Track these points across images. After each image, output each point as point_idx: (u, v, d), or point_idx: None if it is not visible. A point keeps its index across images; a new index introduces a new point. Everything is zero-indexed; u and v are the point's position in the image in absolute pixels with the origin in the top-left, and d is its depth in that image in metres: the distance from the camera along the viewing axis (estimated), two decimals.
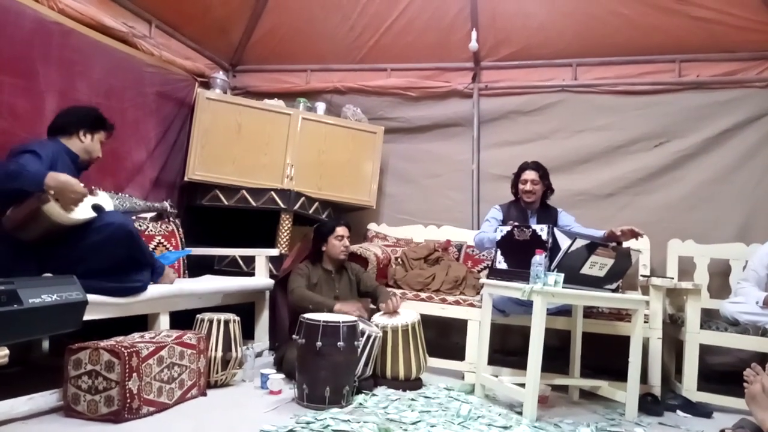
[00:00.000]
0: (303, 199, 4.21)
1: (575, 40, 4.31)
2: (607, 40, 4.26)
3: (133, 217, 3.32)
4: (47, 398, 2.34)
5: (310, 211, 4.27)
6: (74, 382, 2.33)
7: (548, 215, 3.66)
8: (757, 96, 4.03)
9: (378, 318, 3.26)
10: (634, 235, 3.23)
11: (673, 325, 3.46)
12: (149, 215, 3.38)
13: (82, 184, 2.50)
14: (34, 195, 2.37)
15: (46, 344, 3.09)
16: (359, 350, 2.91)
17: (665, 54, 4.23)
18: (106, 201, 2.77)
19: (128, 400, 2.29)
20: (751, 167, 4.01)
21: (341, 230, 3.52)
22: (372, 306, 3.56)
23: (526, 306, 2.91)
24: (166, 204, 3.25)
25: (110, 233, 2.57)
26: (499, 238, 3.19)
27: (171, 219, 3.40)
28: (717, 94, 4.12)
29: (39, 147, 2.59)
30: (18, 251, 2.48)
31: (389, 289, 3.66)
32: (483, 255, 4.09)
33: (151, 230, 3.62)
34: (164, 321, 2.95)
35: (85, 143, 2.81)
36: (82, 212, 2.54)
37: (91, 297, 2.33)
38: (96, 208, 2.64)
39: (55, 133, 2.78)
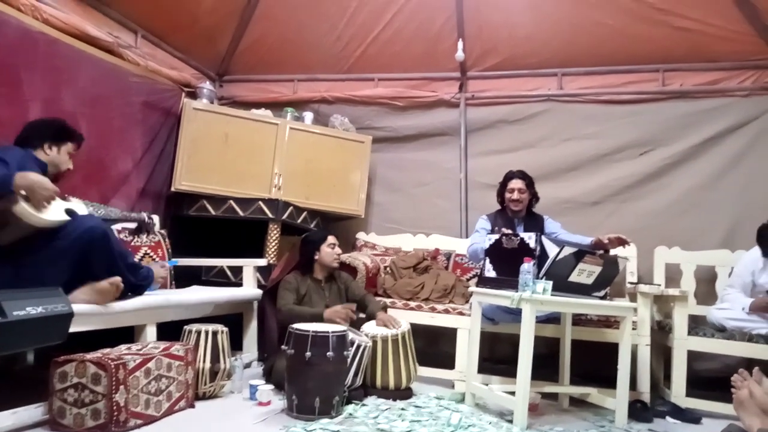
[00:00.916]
0: (291, 208, 4.20)
1: (561, 50, 4.36)
2: (592, 50, 4.31)
3: (117, 227, 3.26)
4: (32, 412, 2.30)
5: (299, 221, 4.26)
6: (60, 395, 2.29)
7: (535, 223, 3.67)
8: (739, 105, 4.09)
9: (367, 327, 3.25)
10: (621, 242, 3.26)
11: (661, 331, 3.48)
12: (130, 225, 3.26)
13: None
14: (2, 198, 2.31)
15: (31, 357, 3.04)
16: (349, 360, 2.90)
17: (649, 63, 4.29)
18: (80, 207, 2.72)
19: (115, 413, 2.25)
20: (735, 175, 4.06)
21: (333, 238, 3.52)
22: (361, 315, 3.55)
23: (515, 314, 2.91)
24: (144, 215, 3.15)
25: (84, 236, 2.52)
26: (487, 246, 3.20)
27: (149, 231, 3.27)
28: (700, 103, 4.18)
29: (5, 153, 2.50)
30: None
31: (379, 299, 3.66)
32: (472, 263, 4.09)
33: (137, 241, 3.57)
34: (151, 332, 2.91)
35: (50, 156, 2.73)
36: (55, 214, 2.48)
37: (76, 308, 2.30)
38: (69, 212, 2.59)
39: (21, 146, 2.69)
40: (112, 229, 2.76)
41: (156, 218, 3.73)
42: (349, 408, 2.84)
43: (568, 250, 2.84)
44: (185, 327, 3.01)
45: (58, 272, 2.46)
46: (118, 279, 2.59)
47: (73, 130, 2.84)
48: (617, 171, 4.30)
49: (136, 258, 3.47)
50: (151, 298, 2.89)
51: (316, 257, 3.47)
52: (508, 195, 3.69)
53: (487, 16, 4.28)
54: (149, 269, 2.96)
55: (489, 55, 4.55)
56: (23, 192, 2.35)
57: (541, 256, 2.89)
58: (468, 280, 4.06)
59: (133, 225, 3.21)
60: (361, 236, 4.64)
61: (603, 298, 3.09)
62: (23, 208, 2.35)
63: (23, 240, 2.43)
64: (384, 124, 4.80)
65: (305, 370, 2.69)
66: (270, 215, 4.10)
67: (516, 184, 3.67)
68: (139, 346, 2.67)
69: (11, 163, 2.46)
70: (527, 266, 2.79)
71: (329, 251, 3.47)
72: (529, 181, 3.70)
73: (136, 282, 2.81)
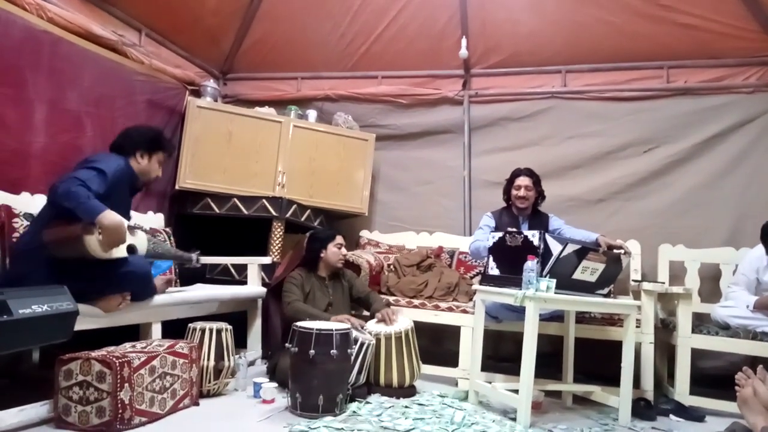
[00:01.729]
0: (295, 206, 4.20)
1: (564, 47, 4.35)
2: (596, 47, 4.29)
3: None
4: (38, 410, 2.32)
5: (302, 219, 4.26)
6: (65, 393, 2.31)
7: (540, 221, 3.67)
8: (743, 102, 4.07)
9: (371, 325, 3.25)
10: (621, 249, 3.22)
11: (665, 329, 3.48)
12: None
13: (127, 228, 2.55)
14: (82, 221, 2.39)
15: (36, 355, 3.06)
16: (352, 358, 2.90)
17: (653, 60, 4.28)
18: (142, 242, 2.77)
19: (120, 411, 2.27)
20: (739, 172, 4.05)
21: (340, 238, 3.52)
22: (365, 312, 3.55)
23: (519, 312, 2.91)
24: (193, 256, 3.18)
25: (129, 278, 2.61)
26: (491, 244, 3.20)
27: (195, 266, 3.29)
28: (704, 99, 4.17)
29: (106, 164, 2.58)
30: (40, 265, 2.46)
31: (382, 297, 3.66)
32: (476, 261, 4.09)
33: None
34: (156, 330, 2.93)
35: (141, 165, 2.82)
36: (117, 252, 2.55)
37: (81, 307, 2.31)
38: (130, 249, 2.65)
39: (116, 153, 2.78)
40: (150, 270, 2.82)
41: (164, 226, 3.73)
42: (353, 406, 2.84)
43: (571, 248, 2.84)
44: (189, 325, 3.02)
45: (94, 292, 2.53)
46: (128, 294, 2.66)
47: (166, 141, 2.94)
48: (621, 169, 4.28)
49: None
50: (155, 296, 2.89)
51: (322, 255, 3.47)
52: (514, 192, 3.69)
53: (491, 14, 4.27)
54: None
55: (493, 52, 4.54)
56: (101, 229, 2.41)
57: (545, 254, 2.89)
58: (471, 278, 4.06)
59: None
60: (365, 234, 4.65)
61: (607, 295, 3.09)
62: (93, 240, 2.42)
63: (76, 260, 2.47)
64: (388, 121, 4.80)
65: (309, 368, 2.69)
66: (274, 213, 4.11)
67: (523, 181, 3.67)
68: (144, 344, 2.68)
69: (109, 177, 2.54)
70: (531, 264, 2.79)
71: (335, 251, 3.47)
72: (536, 179, 3.70)
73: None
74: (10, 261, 2.67)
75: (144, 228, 2.89)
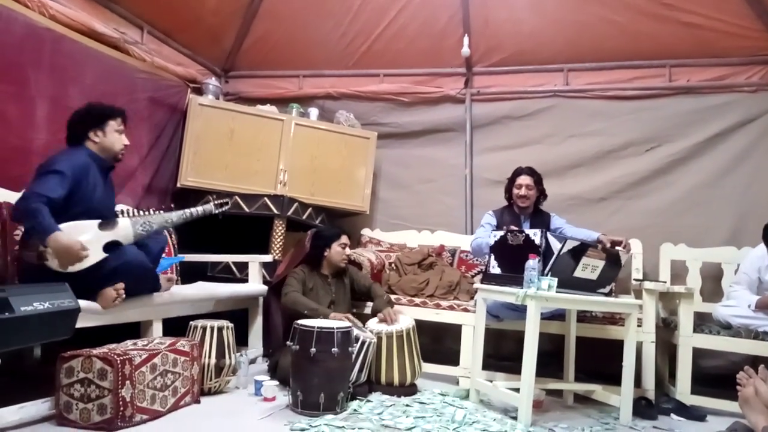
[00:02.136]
0: (296, 204, 4.20)
1: (566, 46, 4.34)
2: (598, 46, 4.29)
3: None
4: (39, 407, 2.32)
5: (304, 217, 4.26)
6: (66, 390, 2.31)
7: (541, 220, 3.67)
8: (746, 100, 4.07)
9: (372, 324, 3.25)
10: (623, 246, 3.22)
11: (666, 328, 3.48)
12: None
13: (88, 233, 2.51)
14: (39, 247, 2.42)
15: (37, 352, 3.05)
16: (354, 356, 2.90)
17: (655, 59, 4.27)
18: (125, 232, 2.67)
19: (121, 408, 2.27)
20: (741, 171, 4.04)
21: (345, 238, 3.52)
22: (366, 311, 3.55)
23: (520, 311, 2.91)
24: (209, 206, 3.09)
25: (120, 271, 2.58)
26: (492, 242, 3.20)
27: (223, 212, 3.16)
28: (707, 98, 4.16)
29: (66, 164, 2.54)
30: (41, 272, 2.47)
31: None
32: (477, 260, 4.09)
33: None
34: (157, 328, 2.93)
35: (99, 142, 2.72)
36: (89, 260, 2.51)
37: (83, 304, 2.31)
38: (108, 247, 2.59)
39: (73, 146, 2.71)
40: (146, 259, 2.76)
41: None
42: (354, 404, 2.85)
43: (571, 244, 2.84)
44: (191, 323, 3.03)
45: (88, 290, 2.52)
46: (121, 285, 2.59)
47: (107, 107, 2.80)
48: (623, 167, 4.28)
49: None
50: (157, 294, 2.89)
51: (326, 254, 3.47)
52: (515, 191, 3.68)
53: (493, 12, 4.26)
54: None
55: (495, 50, 4.53)
56: (52, 251, 2.40)
57: (546, 253, 2.89)
58: (473, 276, 4.06)
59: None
60: (366, 232, 4.65)
61: (608, 294, 3.09)
62: (51, 262, 2.43)
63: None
64: (389, 120, 4.80)
65: (310, 366, 2.69)
66: (275, 211, 4.11)
67: (524, 180, 3.67)
68: (145, 341, 2.68)
69: (70, 176, 2.51)
70: (532, 263, 2.79)
71: (339, 251, 3.47)
72: (537, 178, 3.69)
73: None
74: (11, 260, 2.68)
75: (132, 212, 2.84)
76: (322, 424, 2.50)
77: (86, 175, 2.61)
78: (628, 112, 4.32)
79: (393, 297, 3.70)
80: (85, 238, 2.49)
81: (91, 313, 2.47)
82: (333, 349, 2.70)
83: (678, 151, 4.17)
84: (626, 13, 4.00)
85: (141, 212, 3.22)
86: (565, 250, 2.81)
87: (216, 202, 3.16)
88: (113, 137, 2.76)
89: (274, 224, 4.12)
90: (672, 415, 3.03)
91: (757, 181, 4.00)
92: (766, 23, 3.82)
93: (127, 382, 2.30)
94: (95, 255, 2.54)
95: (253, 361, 3.51)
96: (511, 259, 3.05)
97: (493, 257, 3.19)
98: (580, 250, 2.86)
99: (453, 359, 3.55)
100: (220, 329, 2.99)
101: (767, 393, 2.06)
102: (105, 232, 2.60)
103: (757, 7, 3.74)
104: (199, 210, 3.07)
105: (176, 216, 2.96)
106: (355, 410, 2.77)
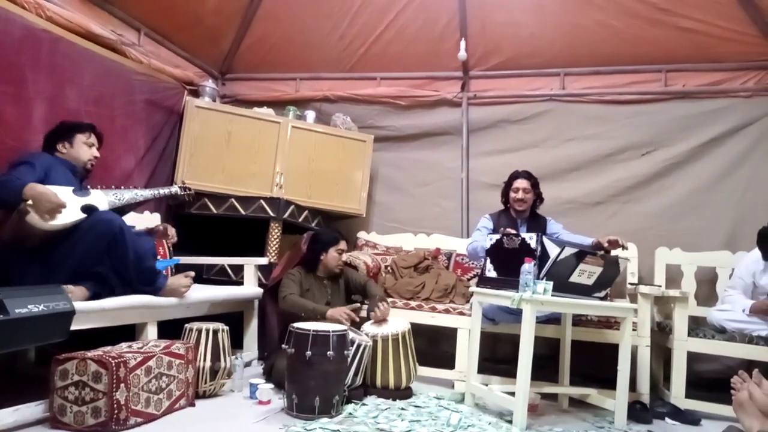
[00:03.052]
0: (292, 207, 4.20)
1: (563, 50, 4.35)
2: (595, 51, 4.30)
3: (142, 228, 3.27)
4: (33, 409, 2.32)
5: (300, 220, 4.26)
6: (61, 393, 2.30)
7: (537, 224, 3.68)
8: (741, 105, 4.08)
9: (368, 327, 3.25)
10: (619, 245, 3.24)
11: (661, 332, 3.48)
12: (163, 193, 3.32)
13: (62, 194, 2.58)
14: (17, 208, 2.47)
15: (32, 354, 3.05)
16: (349, 359, 2.90)
17: (652, 64, 4.28)
18: (100, 199, 2.83)
19: (116, 411, 2.26)
20: (737, 176, 4.06)
21: (343, 244, 3.53)
22: (363, 312, 3.55)
23: (516, 314, 2.92)
24: (173, 188, 3.32)
25: (95, 232, 2.63)
26: (488, 246, 3.20)
27: (190, 199, 3.46)
28: (703, 103, 4.17)
29: (32, 158, 2.73)
30: (21, 257, 2.57)
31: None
32: (473, 263, 4.10)
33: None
34: (152, 331, 2.92)
35: (66, 153, 2.90)
36: (66, 217, 2.59)
37: (78, 306, 2.31)
38: (86, 209, 2.69)
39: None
40: (128, 227, 2.80)
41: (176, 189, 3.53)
42: (349, 407, 2.84)
43: (569, 251, 2.84)
44: (186, 325, 3.02)
45: (82, 267, 2.60)
46: (191, 273, 2.98)
47: (75, 123, 3.00)
48: (619, 172, 4.29)
49: None
50: (152, 296, 2.88)
51: (322, 258, 3.47)
52: (512, 195, 3.69)
53: (491, 16, 4.27)
54: (165, 278, 2.97)
55: (492, 54, 4.54)
56: (30, 202, 2.47)
57: (542, 257, 2.89)
58: (469, 279, 4.06)
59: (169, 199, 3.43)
60: (362, 235, 4.64)
61: (603, 298, 3.09)
62: (33, 217, 2.48)
63: (47, 241, 2.56)
64: (386, 123, 4.80)
65: (305, 369, 2.69)
66: (271, 214, 4.10)
67: (521, 183, 3.68)
68: (140, 344, 2.68)
69: (38, 167, 2.65)
70: (528, 266, 2.79)
71: (336, 256, 3.47)
72: (534, 182, 3.70)
73: (141, 287, 2.82)
74: None
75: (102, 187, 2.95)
76: (317, 428, 2.50)
77: (52, 169, 2.74)
78: (625, 117, 4.33)
79: (389, 300, 3.69)
80: (61, 196, 2.58)
81: (86, 315, 2.46)
82: (328, 353, 2.69)
83: (674, 156, 4.18)
84: (623, 17, 4.02)
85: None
86: (562, 256, 2.82)
87: (180, 185, 3.43)
88: (81, 149, 2.95)
89: (271, 227, 4.11)
90: (667, 419, 3.04)
91: (753, 185, 4.02)
92: (761, 29, 3.84)
93: (122, 385, 2.29)
94: (74, 213, 2.63)
95: (248, 364, 3.51)
96: (506, 262, 3.05)
97: (489, 260, 3.19)
98: (578, 256, 2.87)
99: (448, 363, 3.55)
100: (215, 332, 2.98)
101: (762, 397, 2.06)
102: (80, 198, 2.73)
103: (753, 13, 3.76)
104: (165, 190, 3.32)
105: (146, 192, 3.20)
106: (350, 414, 2.76)
